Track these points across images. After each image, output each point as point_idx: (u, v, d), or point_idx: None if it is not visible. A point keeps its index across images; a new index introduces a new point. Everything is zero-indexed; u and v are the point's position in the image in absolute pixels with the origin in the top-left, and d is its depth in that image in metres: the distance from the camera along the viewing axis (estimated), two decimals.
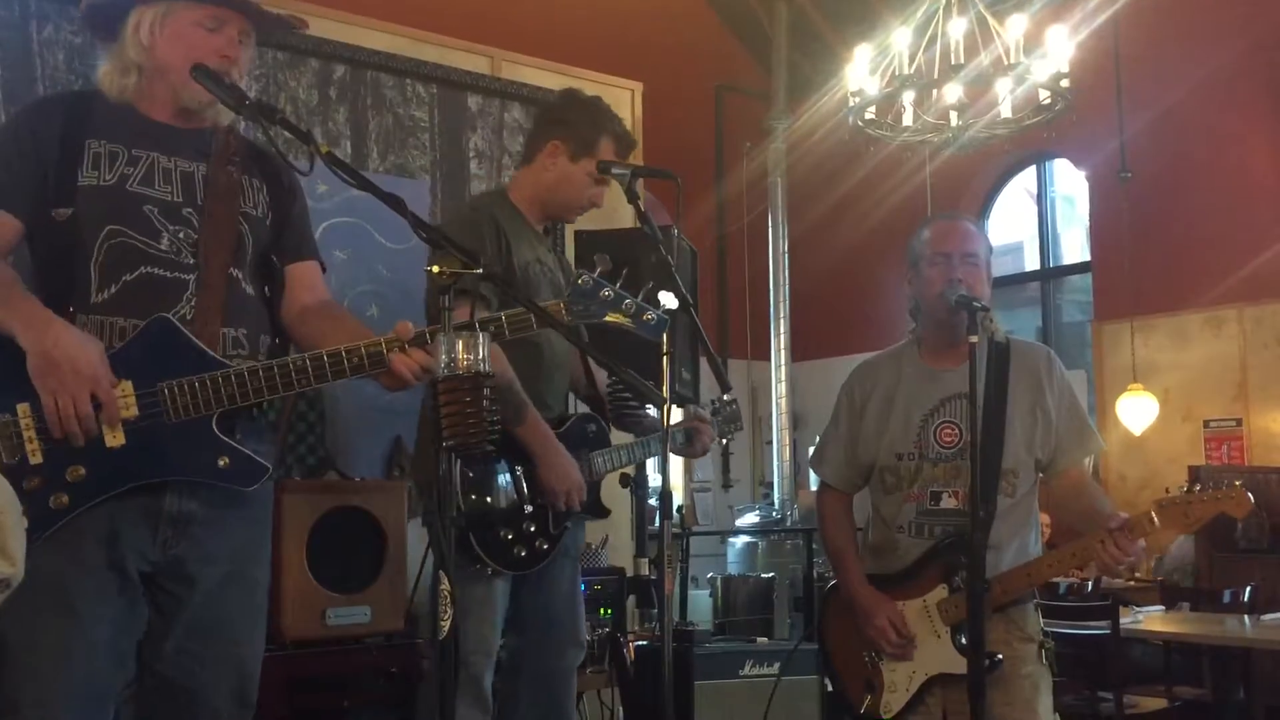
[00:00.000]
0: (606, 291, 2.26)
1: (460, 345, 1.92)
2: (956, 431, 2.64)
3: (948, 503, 2.62)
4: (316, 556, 3.39)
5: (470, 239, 2.75)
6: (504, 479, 2.79)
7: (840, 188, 8.29)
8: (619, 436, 3.15)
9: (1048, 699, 2.62)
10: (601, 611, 3.78)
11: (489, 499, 2.76)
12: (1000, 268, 9.50)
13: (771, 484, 8.46)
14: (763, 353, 8.53)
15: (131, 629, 2.14)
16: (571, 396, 3.25)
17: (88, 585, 2.06)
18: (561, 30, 6.81)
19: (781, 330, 8.33)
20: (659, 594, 2.58)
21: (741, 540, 7.97)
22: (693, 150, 8.68)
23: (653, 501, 7.65)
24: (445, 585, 1.93)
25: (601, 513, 3.00)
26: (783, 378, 8.24)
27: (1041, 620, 2.69)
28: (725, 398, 3.25)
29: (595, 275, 2.25)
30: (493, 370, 1.94)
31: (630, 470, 3.22)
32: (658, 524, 2.60)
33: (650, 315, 2.30)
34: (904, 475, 2.67)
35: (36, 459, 2.01)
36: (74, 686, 2.04)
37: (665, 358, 2.56)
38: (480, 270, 2.02)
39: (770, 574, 6.80)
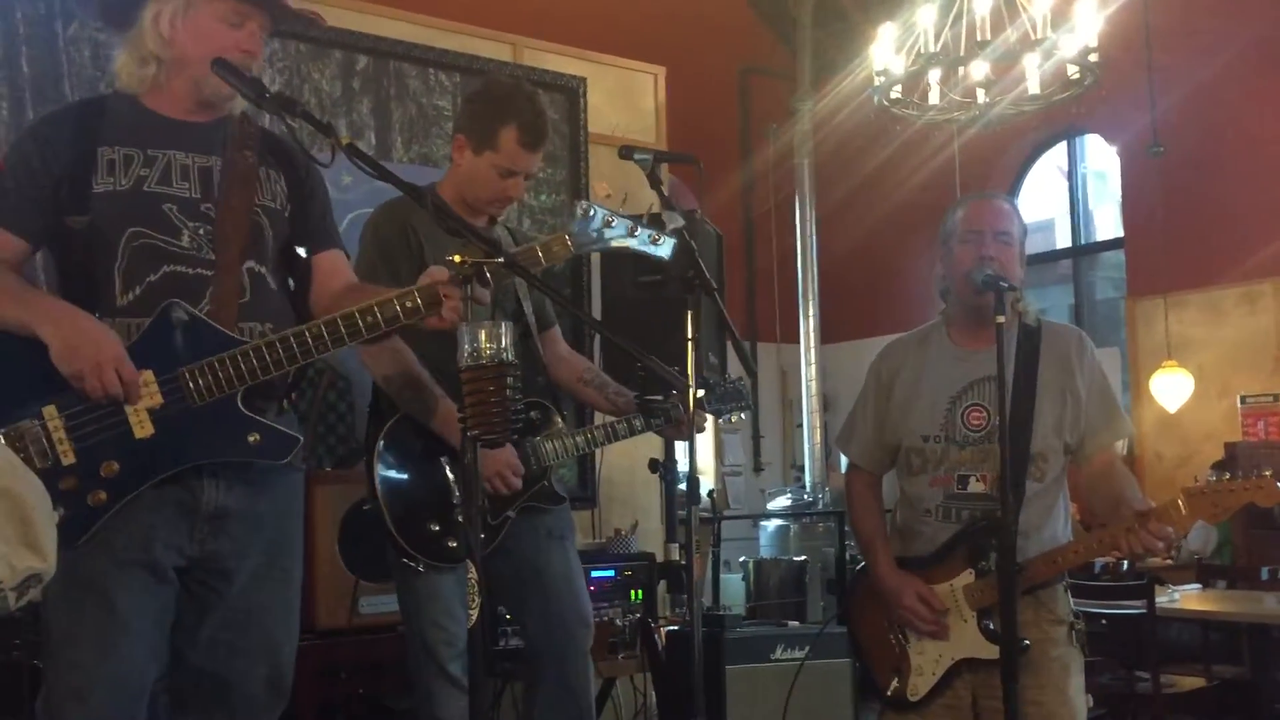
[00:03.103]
0: (609, 217, 2.25)
1: (483, 335, 1.92)
2: (984, 414, 2.61)
3: (975, 486, 2.59)
4: (348, 546, 3.43)
5: (378, 263, 2.73)
6: (427, 472, 2.74)
7: (867, 168, 8.24)
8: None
9: (1078, 680, 2.60)
10: (632, 596, 3.78)
11: (412, 493, 2.72)
12: (1032, 245, 9.32)
13: (803, 467, 8.44)
14: (792, 335, 8.50)
15: (166, 622, 2.17)
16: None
17: (125, 581, 2.09)
18: (585, 15, 6.79)
19: (810, 312, 8.30)
20: (688, 579, 2.58)
21: (773, 524, 7.96)
22: (717, 133, 8.65)
23: (682, 487, 7.62)
24: (472, 574, 1.94)
25: (555, 499, 2.93)
26: (812, 360, 8.21)
27: (1072, 601, 2.67)
28: (732, 376, 3.21)
29: (594, 203, 2.24)
30: (515, 359, 1.94)
31: (659, 455, 3.21)
32: (695, 506, 2.58)
33: (659, 237, 2.29)
34: (930, 458, 2.65)
35: (69, 459, 2.03)
36: (113, 678, 2.08)
37: (690, 342, 2.56)
38: (502, 260, 2.02)
39: (802, 557, 6.80)
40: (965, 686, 2.62)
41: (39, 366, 2.02)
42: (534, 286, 2.14)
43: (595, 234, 2.26)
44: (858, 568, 2.86)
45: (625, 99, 4.92)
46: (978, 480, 2.59)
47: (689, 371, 2.53)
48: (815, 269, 8.34)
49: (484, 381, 1.91)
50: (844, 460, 3.20)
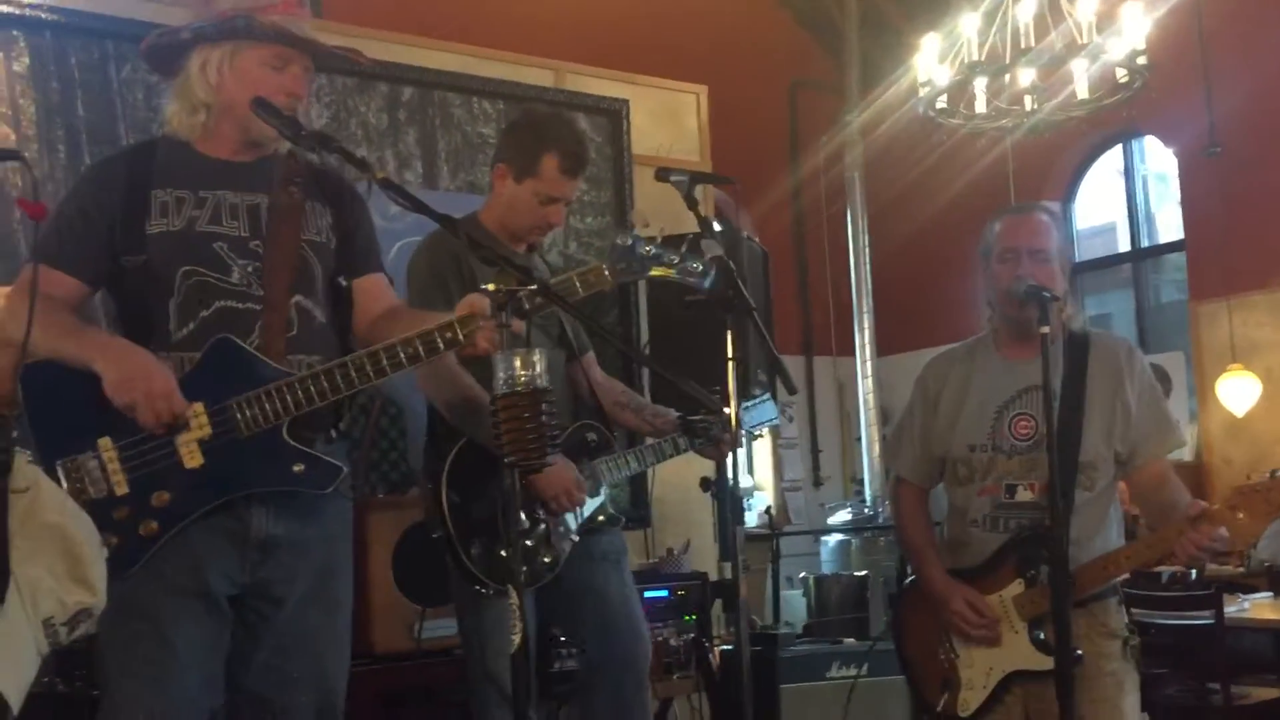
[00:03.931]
0: (647, 247, 2.27)
1: (518, 362, 1.94)
2: (1032, 423, 2.59)
3: (1023, 495, 2.57)
4: (402, 571, 3.47)
5: (432, 289, 2.76)
6: (494, 496, 2.73)
7: (919, 179, 8.17)
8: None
9: (1134, 697, 2.56)
10: (686, 617, 3.78)
11: (480, 519, 2.74)
12: (1091, 250, 9.31)
13: (862, 480, 8.38)
14: (848, 349, 8.45)
15: (220, 651, 2.21)
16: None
17: (178, 610, 2.14)
18: (627, 38, 6.84)
19: (865, 325, 8.25)
20: (734, 598, 2.57)
21: (834, 539, 7.90)
22: (768, 148, 8.64)
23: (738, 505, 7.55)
24: (514, 600, 1.96)
25: (612, 520, 2.96)
26: (868, 373, 8.16)
27: (1126, 615, 2.63)
28: (760, 392, 3.20)
29: (633, 233, 2.26)
30: (550, 386, 1.96)
31: (710, 474, 3.21)
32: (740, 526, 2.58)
33: (696, 265, 2.31)
34: (976, 467, 2.63)
35: (122, 490, 2.09)
36: (167, 708, 2.12)
37: (730, 362, 2.56)
38: (535, 287, 2.05)
39: (864, 572, 6.75)
40: (1017, 701, 2.60)
41: (95, 400, 2.08)
42: (570, 314, 2.16)
43: (634, 265, 2.28)
44: (905, 583, 2.84)
45: (669, 119, 4.94)
46: (1026, 489, 2.57)
47: (729, 391, 2.53)
48: (869, 281, 8.29)
49: (520, 408, 1.93)
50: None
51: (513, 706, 1.97)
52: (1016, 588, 2.57)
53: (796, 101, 9.07)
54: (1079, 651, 2.48)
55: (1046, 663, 2.45)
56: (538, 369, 1.94)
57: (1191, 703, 4.49)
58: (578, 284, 2.29)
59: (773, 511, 7.19)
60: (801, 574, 7.09)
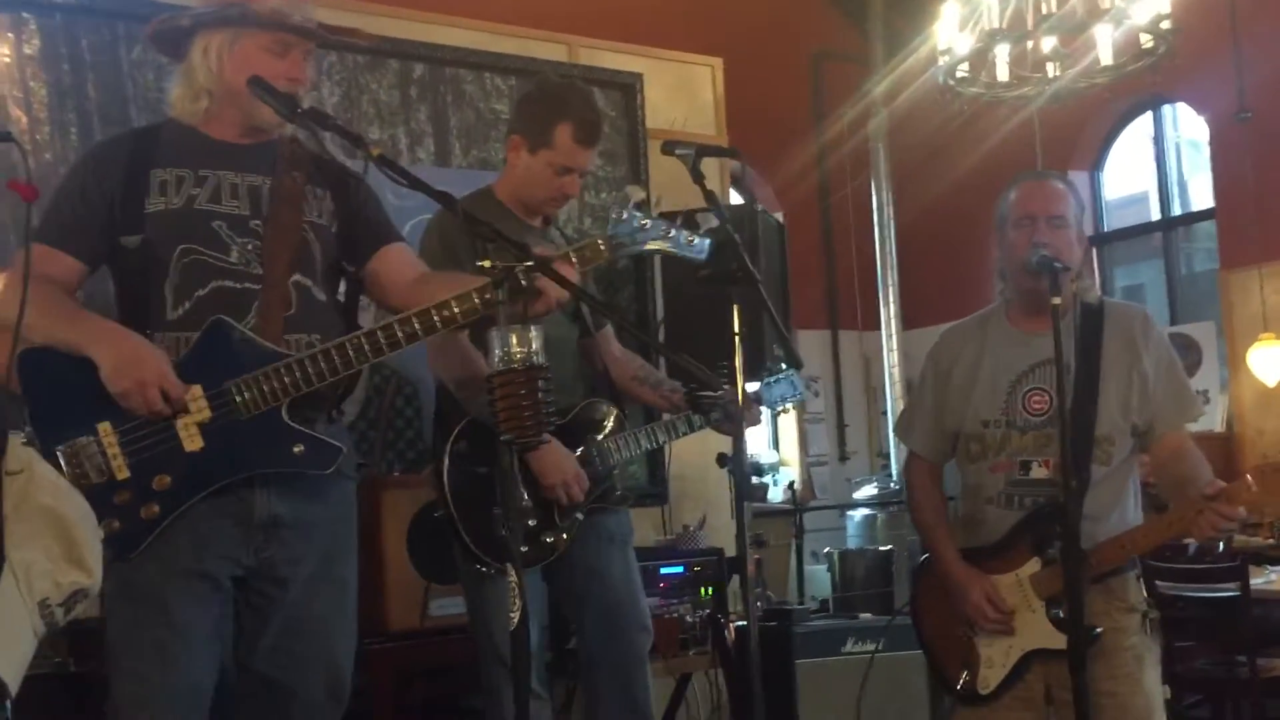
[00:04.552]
0: (645, 220, 2.25)
1: (514, 338, 1.93)
2: (1046, 398, 2.54)
3: (1038, 472, 2.53)
4: (416, 549, 3.47)
5: (444, 263, 2.71)
6: (496, 475, 2.74)
7: (944, 149, 8.07)
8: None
9: (1154, 671, 2.52)
10: (702, 593, 3.76)
11: (483, 498, 2.70)
12: (1123, 219, 9.18)
13: (889, 455, 8.33)
14: (873, 323, 8.38)
15: (223, 632, 2.22)
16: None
17: (182, 591, 2.15)
18: (642, 10, 6.77)
19: (891, 299, 8.19)
20: (743, 575, 2.55)
21: (860, 513, 7.87)
22: (792, 120, 8.56)
23: (760, 480, 7.61)
24: (513, 578, 1.94)
25: (619, 499, 2.94)
26: (894, 346, 8.10)
27: (1144, 589, 2.58)
28: (785, 369, 3.16)
29: (630, 206, 2.24)
30: (546, 363, 1.94)
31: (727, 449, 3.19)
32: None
33: (692, 238, 2.29)
34: (990, 443, 2.59)
35: (123, 474, 2.09)
36: (173, 687, 2.13)
37: (735, 337, 2.53)
38: (532, 263, 2.02)
39: (888, 547, 6.71)
40: (1037, 678, 2.56)
41: (94, 385, 2.08)
42: (569, 290, 2.14)
43: (629, 238, 2.26)
44: (921, 559, 2.81)
45: (684, 93, 4.89)
46: (1040, 465, 2.53)
47: (737, 366, 2.51)
48: (894, 254, 8.22)
49: (516, 385, 1.91)
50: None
51: (515, 685, 1.96)
52: (1033, 566, 2.54)
53: (820, 73, 8.97)
54: (1098, 630, 2.45)
55: (1064, 641, 2.41)
56: (534, 345, 1.92)
57: (1219, 674, 4.45)
58: (574, 259, 2.27)
59: (797, 487, 7.15)
60: (826, 549, 7.07)
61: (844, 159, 8.76)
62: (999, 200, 2.69)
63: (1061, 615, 2.47)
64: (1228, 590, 4.34)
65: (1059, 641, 2.46)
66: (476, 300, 2.11)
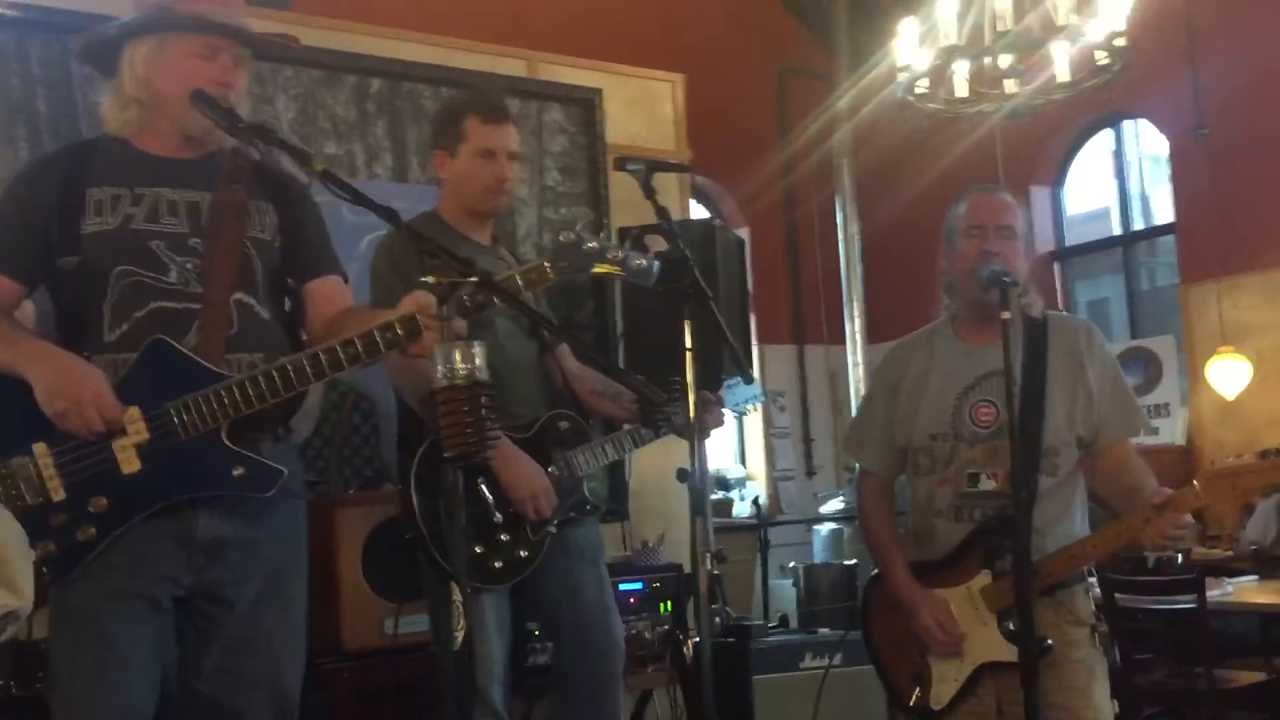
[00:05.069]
0: (591, 243, 2.25)
1: (457, 355, 1.91)
2: (993, 410, 2.56)
3: (986, 484, 2.54)
4: (372, 568, 3.44)
5: (394, 281, 2.73)
6: (464, 493, 2.74)
7: (908, 166, 8.12)
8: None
9: (1103, 684, 2.53)
10: (661, 608, 3.75)
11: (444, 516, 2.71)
12: (1085, 234, 9.25)
13: (855, 470, 8.32)
14: (839, 337, 8.41)
15: (163, 654, 2.19)
16: None
17: (121, 613, 2.11)
18: (602, 26, 6.79)
19: (856, 313, 8.21)
20: (695, 592, 2.54)
21: (826, 528, 7.87)
22: (757, 136, 8.59)
23: (726, 495, 7.59)
24: (457, 597, 1.93)
25: (589, 509, 2.94)
26: (859, 360, 8.12)
27: (1093, 603, 2.59)
28: (734, 376, 3.16)
29: (577, 229, 2.24)
30: (490, 379, 1.93)
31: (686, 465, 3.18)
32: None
33: (639, 261, 2.30)
34: (939, 457, 2.60)
35: (59, 495, 2.06)
36: (110, 710, 2.10)
37: (688, 353, 2.53)
38: (476, 279, 2.01)
39: (853, 561, 6.71)
40: (989, 692, 2.56)
41: (30, 406, 2.05)
42: (513, 308, 2.13)
43: (575, 261, 2.25)
44: (872, 574, 2.81)
45: (644, 108, 4.90)
46: (989, 478, 2.54)
47: (688, 381, 2.51)
48: (859, 268, 8.25)
49: (459, 401, 1.90)
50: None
51: (459, 702, 1.95)
52: (983, 579, 2.54)
53: (785, 88, 9.01)
54: (1048, 641, 2.45)
55: (1017, 653, 2.41)
56: (477, 362, 1.91)
57: (1178, 686, 4.46)
58: (520, 280, 2.26)
59: (761, 502, 7.16)
60: (791, 563, 7.07)
61: (808, 174, 8.80)
62: (947, 214, 2.71)
63: (1013, 628, 2.48)
64: (1185, 602, 4.36)
65: (1011, 654, 2.46)
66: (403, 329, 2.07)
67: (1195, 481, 2.35)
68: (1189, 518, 2.36)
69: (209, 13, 2.19)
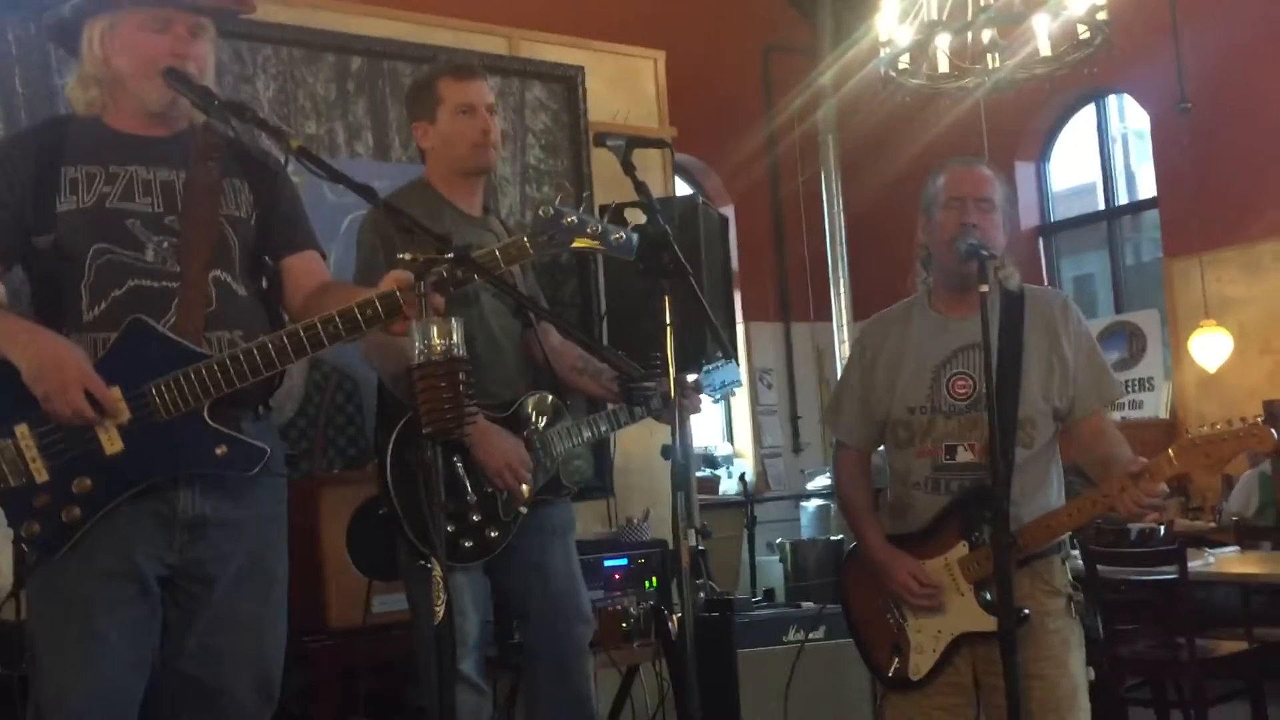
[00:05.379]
0: (570, 218, 2.26)
1: (435, 330, 1.92)
2: (970, 383, 2.57)
3: (963, 456, 2.55)
4: (356, 547, 3.45)
5: (376, 259, 2.74)
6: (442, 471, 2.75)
7: (892, 142, 8.12)
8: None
9: (1079, 653, 2.55)
10: (647, 584, 3.77)
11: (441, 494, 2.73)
12: (1070, 209, 9.28)
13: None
14: (825, 314, 8.43)
15: (150, 633, 2.20)
16: None
17: (105, 593, 2.12)
18: (589, 5, 6.77)
19: (842, 289, 8.23)
20: (677, 567, 2.55)
21: (813, 504, 7.92)
22: (743, 112, 8.59)
23: (713, 472, 7.63)
24: (436, 572, 1.94)
25: (562, 490, 2.95)
26: (844, 338, 8.14)
27: (1070, 573, 2.61)
28: (722, 358, 3.17)
29: (555, 204, 2.25)
30: (466, 355, 1.93)
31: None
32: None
33: (619, 235, 2.31)
34: (916, 429, 2.61)
35: (43, 477, 2.06)
36: (94, 689, 2.11)
37: (667, 328, 2.54)
38: (452, 255, 2.02)
39: (839, 536, 6.75)
40: (966, 662, 2.59)
41: (11, 387, 2.05)
42: (491, 285, 2.14)
43: (555, 236, 2.26)
44: (849, 549, 2.83)
45: (626, 85, 4.89)
46: (966, 449, 2.56)
47: (669, 357, 2.51)
48: (845, 246, 8.26)
49: (436, 378, 1.90)
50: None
51: (439, 679, 1.96)
52: (961, 550, 2.56)
53: (770, 65, 9.00)
54: (1025, 611, 2.48)
55: (993, 624, 2.43)
56: (454, 338, 1.92)
57: (1161, 657, 4.51)
58: (499, 256, 2.27)
59: (747, 478, 7.19)
60: (778, 540, 7.11)
61: (794, 151, 8.80)
62: (925, 186, 2.72)
63: (990, 598, 2.50)
64: (1167, 574, 4.40)
65: (988, 624, 2.48)
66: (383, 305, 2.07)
67: (1169, 450, 2.37)
68: (1164, 486, 2.38)
69: None
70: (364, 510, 3.42)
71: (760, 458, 8.64)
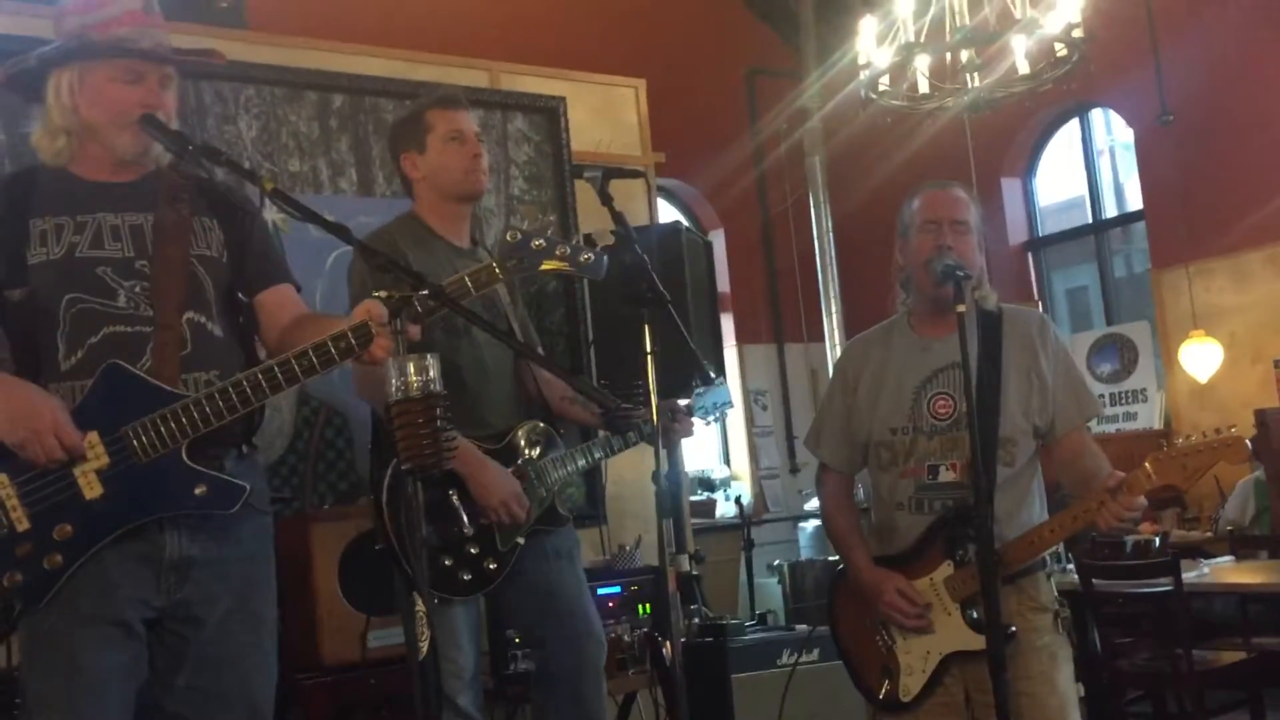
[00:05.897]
0: (538, 241, 2.28)
1: (411, 367, 1.93)
2: (951, 402, 2.59)
3: (946, 476, 2.56)
4: (348, 581, 3.45)
5: (368, 285, 2.73)
6: (435, 505, 2.73)
7: (879, 162, 8.16)
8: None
9: (1067, 669, 2.55)
10: (640, 611, 3.77)
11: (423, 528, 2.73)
12: (1060, 224, 9.31)
13: None
14: (818, 335, 8.44)
15: (137, 675, 2.19)
16: None
17: (91, 639, 2.12)
18: (566, 35, 6.81)
19: (834, 309, 8.24)
20: (663, 592, 2.56)
21: (812, 524, 7.90)
22: (728, 137, 8.62)
23: (710, 495, 7.62)
24: (420, 608, 1.95)
25: (559, 520, 2.95)
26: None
27: (1055, 589, 2.62)
28: (719, 380, 3.19)
29: (524, 227, 2.27)
30: (444, 390, 1.94)
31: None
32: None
33: (587, 255, 2.33)
34: (899, 450, 2.63)
35: (24, 525, 2.06)
36: None
37: (648, 357, 2.56)
38: (426, 293, 2.04)
39: (837, 557, 6.74)
40: (956, 681, 2.59)
41: None
42: (463, 315, 2.15)
43: (524, 260, 2.28)
44: (836, 571, 2.83)
45: (608, 115, 4.92)
46: (948, 469, 2.57)
47: (650, 384, 2.54)
48: (835, 267, 8.28)
49: (414, 414, 1.92)
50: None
51: (424, 710, 1.96)
52: (946, 569, 2.57)
53: (754, 89, 9.05)
54: (1012, 629, 2.48)
55: (981, 642, 2.44)
56: (431, 374, 1.93)
57: (1160, 669, 4.51)
58: (469, 284, 2.28)
59: (746, 501, 7.19)
60: (776, 561, 7.10)
61: (781, 174, 8.84)
62: (901, 210, 2.74)
63: (976, 617, 2.51)
64: (1162, 585, 4.40)
65: (976, 643, 2.49)
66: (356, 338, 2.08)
67: (1146, 464, 2.38)
68: (1142, 499, 2.39)
69: (127, 38, 2.19)
70: (356, 545, 3.43)
71: (757, 479, 8.63)
